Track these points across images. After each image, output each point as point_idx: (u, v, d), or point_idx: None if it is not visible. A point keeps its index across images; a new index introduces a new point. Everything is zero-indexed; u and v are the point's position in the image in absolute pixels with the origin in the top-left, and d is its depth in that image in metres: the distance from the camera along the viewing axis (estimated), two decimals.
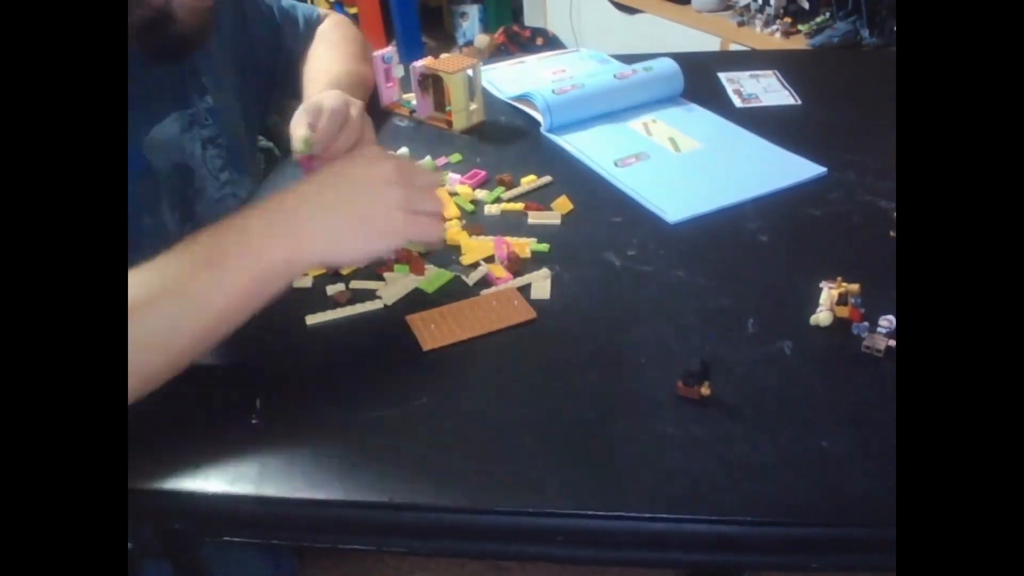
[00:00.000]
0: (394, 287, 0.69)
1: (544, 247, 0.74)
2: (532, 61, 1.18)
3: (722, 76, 1.09)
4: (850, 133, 0.93)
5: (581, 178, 0.86)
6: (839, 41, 1.65)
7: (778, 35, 1.81)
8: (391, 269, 0.71)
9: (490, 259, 0.72)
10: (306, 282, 0.71)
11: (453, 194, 0.83)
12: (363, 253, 0.61)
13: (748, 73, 1.10)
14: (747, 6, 1.93)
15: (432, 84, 0.98)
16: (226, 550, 0.76)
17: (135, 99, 0.74)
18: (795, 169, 0.85)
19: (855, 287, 0.62)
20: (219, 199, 0.84)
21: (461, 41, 3.39)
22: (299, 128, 0.75)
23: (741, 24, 1.91)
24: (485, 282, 0.70)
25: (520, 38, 2.95)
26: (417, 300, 0.68)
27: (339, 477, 0.51)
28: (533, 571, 1.32)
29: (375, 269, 0.72)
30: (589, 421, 0.54)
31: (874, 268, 0.67)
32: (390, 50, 0.99)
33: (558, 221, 0.78)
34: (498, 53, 2.84)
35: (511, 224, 0.78)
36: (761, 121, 0.95)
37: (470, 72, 0.97)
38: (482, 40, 3.11)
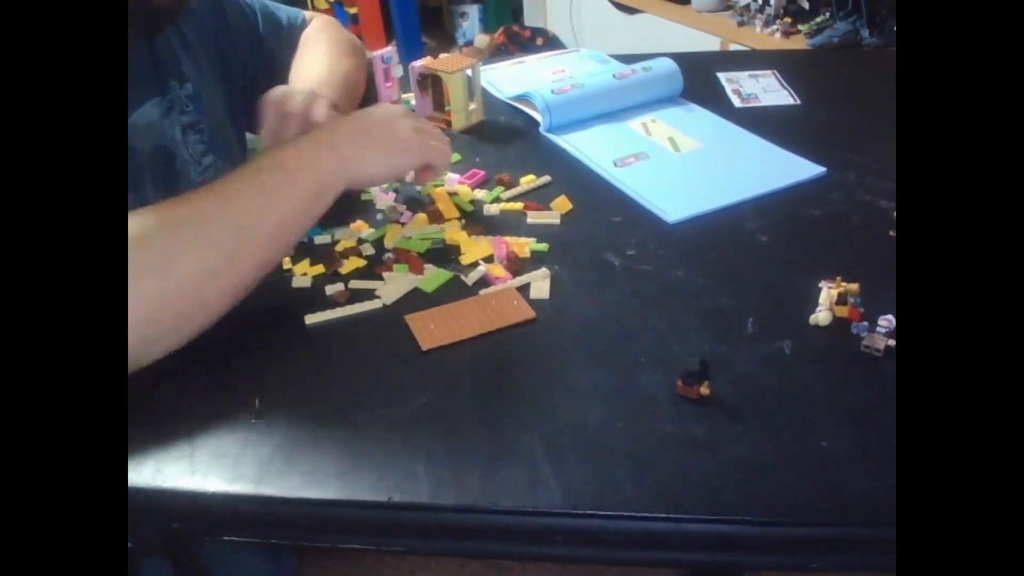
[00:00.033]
0: (393, 287, 0.69)
1: (543, 247, 0.74)
2: (532, 61, 1.18)
3: (721, 76, 1.09)
4: (850, 133, 0.93)
5: (580, 178, 0.86)
6: (839, 41, 1.65)
7: (778, 35, 1.81)
8: (390, 269, 0.72)
9: (489, 259, 0.72)
10: (305, 282, 0.71)
11: (452, 193, 0.83)
12: (392, 167, 0.74)
13: (747, 73, 1.10)
14: (747, 6, 1.93)
15: (431, 84, 0.98)
16: (226, 549, 0.76)
17: None
18: (795, 169, 0.85)
19: (854, 287, 0.62)
20: (200, 183, 0.85)
21: (461, 41, 3.40)
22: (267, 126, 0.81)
23: (741, 24, 1.91)
24: (484, 282, 0.70)
25: (520, 38, 2.95)
26: (416, 300, 0.68)
27: (339, 476, 0.51)
28: (533, 571, 1.32)
29: (375, 269, 0.72)
30: (589, 421, 0.54)
31: (873, 268, 0.67)
32: (390, 50, 0.99)
33: (557, 221, 0.78)
34: (498, 53, 2.84)
35: (510, 224, 0.78)
36: (761, 121, 0.95)
37: (469, 72, 0.97)
38: (482, 40, 3.11)
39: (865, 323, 0.60)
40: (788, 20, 1.81)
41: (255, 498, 0.51)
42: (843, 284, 0.62)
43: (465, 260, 0.72)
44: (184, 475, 0.52)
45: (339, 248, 0.75)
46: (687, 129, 0.95)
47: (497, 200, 0.82)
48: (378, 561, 1.33)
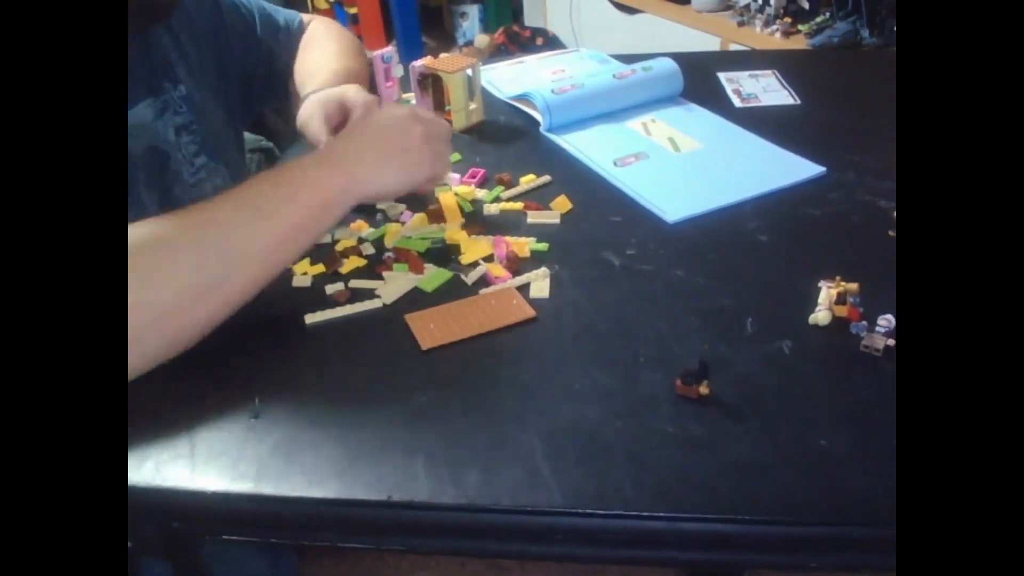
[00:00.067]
0: (393, 286, 0.69)
1: (543, 246, 0.74)
2: (532, 61, 1.19)
3: (721, 76, 1.09)
4: (850, 133, 0.93)
5: (580, 178, 0.86)
6: (839, 41, 1.65)
7: (778, 35, 1.81)
8: (390, 268, 0.72)
9: (489, 258, 0.72)
10: (305, 281, 0.71)
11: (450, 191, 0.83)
12: (404, 184, 0.72)
13: (747, 73, 1.10)
14: (747, 6, 1.93)
15: (432, 84, 0.98)
16: (226, 549, 0.76)
17: None
18: (794, 169, 0.85)
19: (854, 286, 0.62)
20: (194, 184, 0.85)
21: (461, 41, 3.40)
22: (314, 120, 0.80)
23: (741, 24, 1.91)
24: (484, 281, 0.70)
25: (520, 38, 2.96)
26: (416, 299, 0.68)
27: (338, 476, 0.51)
28: (533, 570, 1.32)
29: (375, 268, 0.72)
30: (588, 420, 0.54)
31: (873, 268, 0.67)
32: (390, 50, 0.99)
33: (557, 220, 0.78)
34: (498, 53, 2.84)
35: (510, 223, 0.78)
36: (760, 121, 0.95)
37: (469, 72, 0.97)
38: (482, 40, 3.11)
39: (864, 323, 0.60)
40: (788, 20, 1.81)
41: (255, 497, 0.51)
42: (843, 284, 0.62)
43: (465, 260, 0.72)
44: (184, 475, 0.52)
45: (339, 247, 0.75)
46: (687, 129, 0.95)
47: (497, 200, 0.82)
48: (378, 560, 1.33)
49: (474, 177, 0.85)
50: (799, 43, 1.76)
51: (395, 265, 0.72)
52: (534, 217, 0.79)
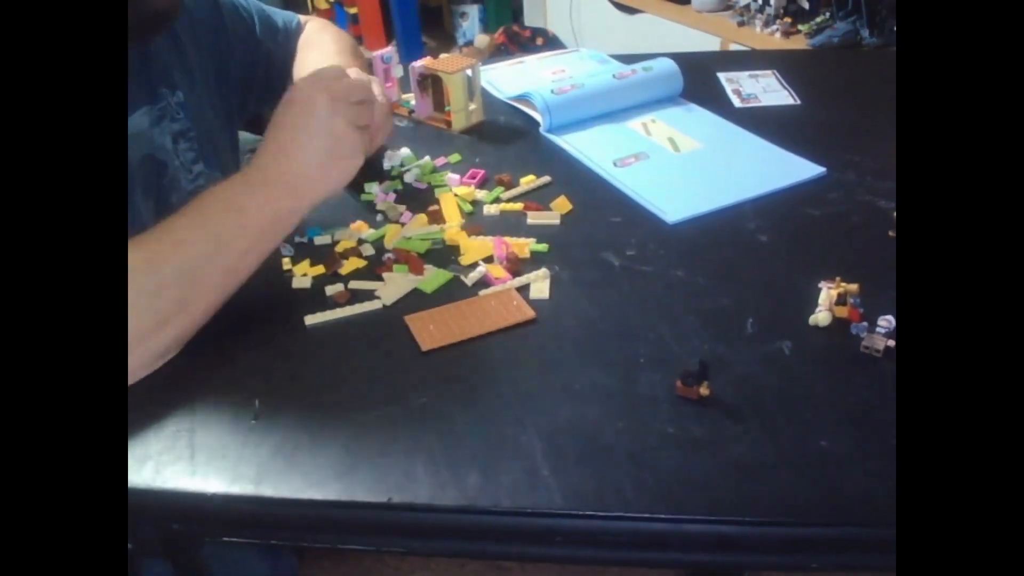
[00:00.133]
0: (393, 287, 0.69)
1: (543, 247, 0.74)
2: (532, 61, 1.18)
3: (721, 76, 1.09)
4: (850, 133, 0.93)
5: (580, 178, 0.86)
6: (839, 41, 1.65)
7: (778, 35, 1.81)
8: (390, 269, 0.72)
9: (489, 259, 0.72)
10: (305, 282, 0.71)
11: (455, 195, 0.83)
12: (348, 174, 0.71)
13: (747, 73, 1.10)
14: (747, 6, 1.93)
15: (431, 84, 0.98)
16: (226, 550, 0.76)
17: None
18: (794, 169, 0.85)
19: (854, 287, 0.62)
20: (192, 191, 0.85)
21: (461, 41, 3.40)
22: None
23: (741, 24, 1.91)
24: (484, 282, 0.70)
25: (520, 38, 2.96)
26: (416, 300, 0.68)
27: (338, 477, 0.51)
28: (533, 572, 1.32)
29: (375, 269, 0.72)
30: (588, 421, 0.54)
31: (873, 268, 0.67)
32: (390, 50, 0.99)
33: (557, 221, 0.78)
34: (498, 53, 2.84)
35: (510, 224, 0.78)
36: (760, 121, 0.95)
37: (469, 72, 0.97)
38: (482, 40, 3.11)
39: (865, 323, 0.60)
40: (788, 20, 1.81)
41: (255, 499, 0.51)
42: (843, 284, 0.62)
43: (465, 260, 0.72)
44: (184, 476, 0.52)
45: (339, 248, 0.75)
46: (687, 129, 0.95)
47: (497, 200, 0.82)
48: (378, 562, 1.33)
49: (474, 178, 0.85)
50: (799, 43, 1.76)
51: (395, 266, 0.72)
52: (534, 218, 0.79)
